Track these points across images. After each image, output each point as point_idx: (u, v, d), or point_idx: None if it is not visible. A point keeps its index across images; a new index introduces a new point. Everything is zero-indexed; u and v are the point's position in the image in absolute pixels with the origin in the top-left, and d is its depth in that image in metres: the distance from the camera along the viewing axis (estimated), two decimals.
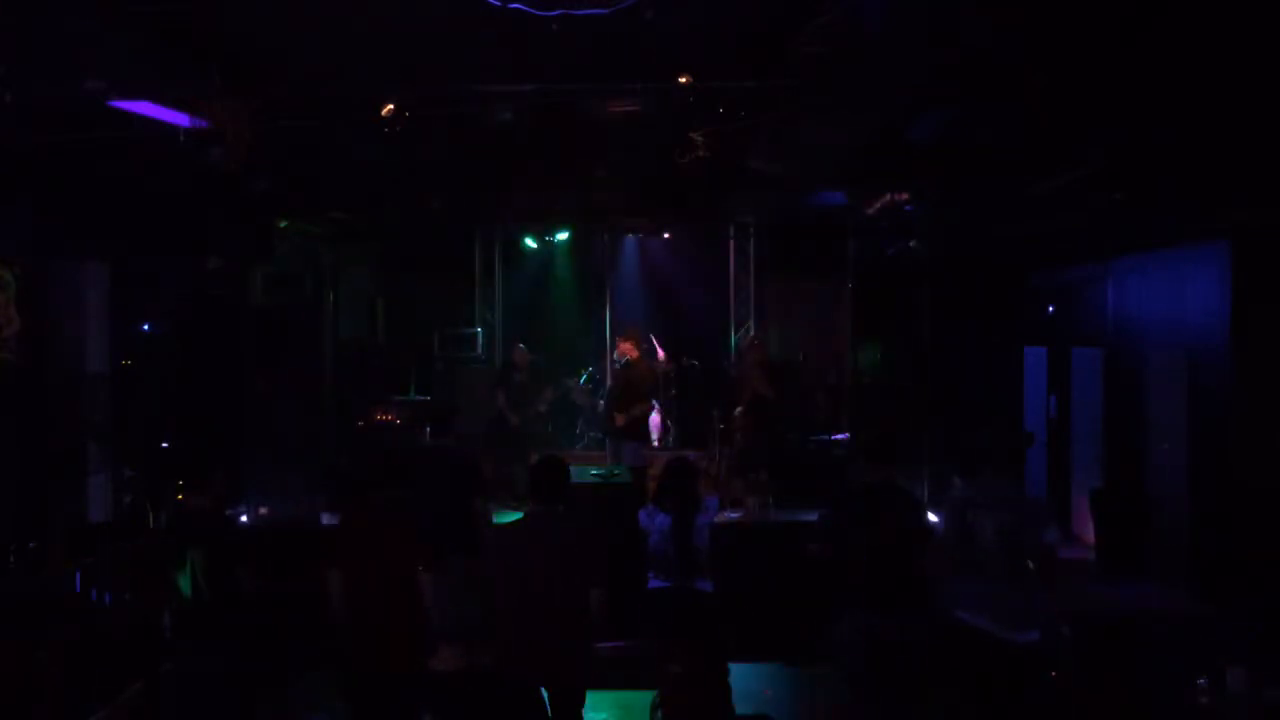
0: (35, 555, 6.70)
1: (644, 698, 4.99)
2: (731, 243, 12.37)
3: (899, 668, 5.09)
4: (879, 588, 5.09)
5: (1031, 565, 4.99)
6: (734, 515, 8.97)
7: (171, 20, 5.19)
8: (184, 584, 5.09)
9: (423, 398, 11.55)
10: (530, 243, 12.59)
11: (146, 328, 8.84)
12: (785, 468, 9.57)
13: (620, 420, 9.78)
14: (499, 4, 4.63)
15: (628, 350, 10.20)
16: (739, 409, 9.68)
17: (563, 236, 12.54)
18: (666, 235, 12.56)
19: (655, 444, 11.22)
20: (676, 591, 5.46)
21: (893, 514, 5.20)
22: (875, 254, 11.12)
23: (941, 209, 8.99)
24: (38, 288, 7.43)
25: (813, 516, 5.81)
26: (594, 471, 8.85)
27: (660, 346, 11.33)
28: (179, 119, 6.12)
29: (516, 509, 9.00)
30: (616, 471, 8.98)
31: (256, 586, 5.31)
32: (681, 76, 6.06)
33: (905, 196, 8.82)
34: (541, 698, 4.75)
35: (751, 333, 11.94)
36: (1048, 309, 10.25)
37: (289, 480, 8.53)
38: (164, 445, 8.55)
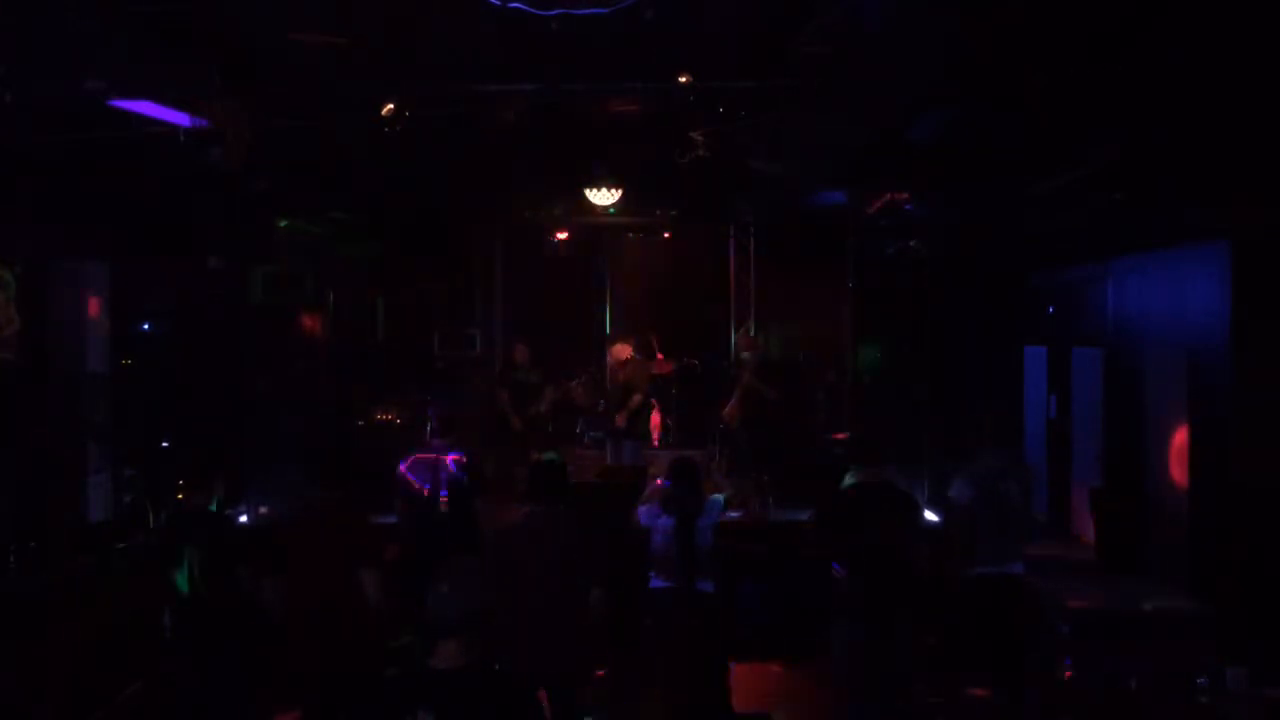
0: (35, 555, 6.70)
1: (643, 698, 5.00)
2: (731, 242, 12.37)
3: (895, 669, 5.09)
4: (874, 589, 5.09)
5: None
6: (734, 515, 8.96)
7: (171, 20, 5.19)
8: (183, 584, 5.09)
9: (423, 398, 11.53)
10: (530, 242, 12.59)
11: (146, 328, 8.84)
12: (785, 468, 9.56)
13: (621, 420, 9.80)
14: (499, 4, 4.63)
15: (620, 352, 10.24)
16: (730, 403, 9.66)
17: (563, 236, 12.54)
18: (667, 235, 12.56)
19: (655, 444, 11.22)
20: (677, 592, 5.46)
21: (887, 515, 5.19)
22: (875, 254, 11.12)
23: (941, 209, 8.99)
24: (38, 288, 7.43)
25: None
26: (594, 471, 8.86)
27: (659, 349, 11.33)
28: (179, 119, 6.11)
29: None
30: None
31: (256, 586, 5.30)
32: (681, 76, 6.06)
33: (905, 196, 8.82)
34: (539, 696, 4.75)
35: (752, 332, 11.93)
36: (1048, 309, 10.24)
37: (289, 480, 8.52)
38: (164, 445, 8.55)
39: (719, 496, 5.94)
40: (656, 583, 5.54)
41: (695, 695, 5.23)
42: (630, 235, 12.73)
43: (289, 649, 4.97)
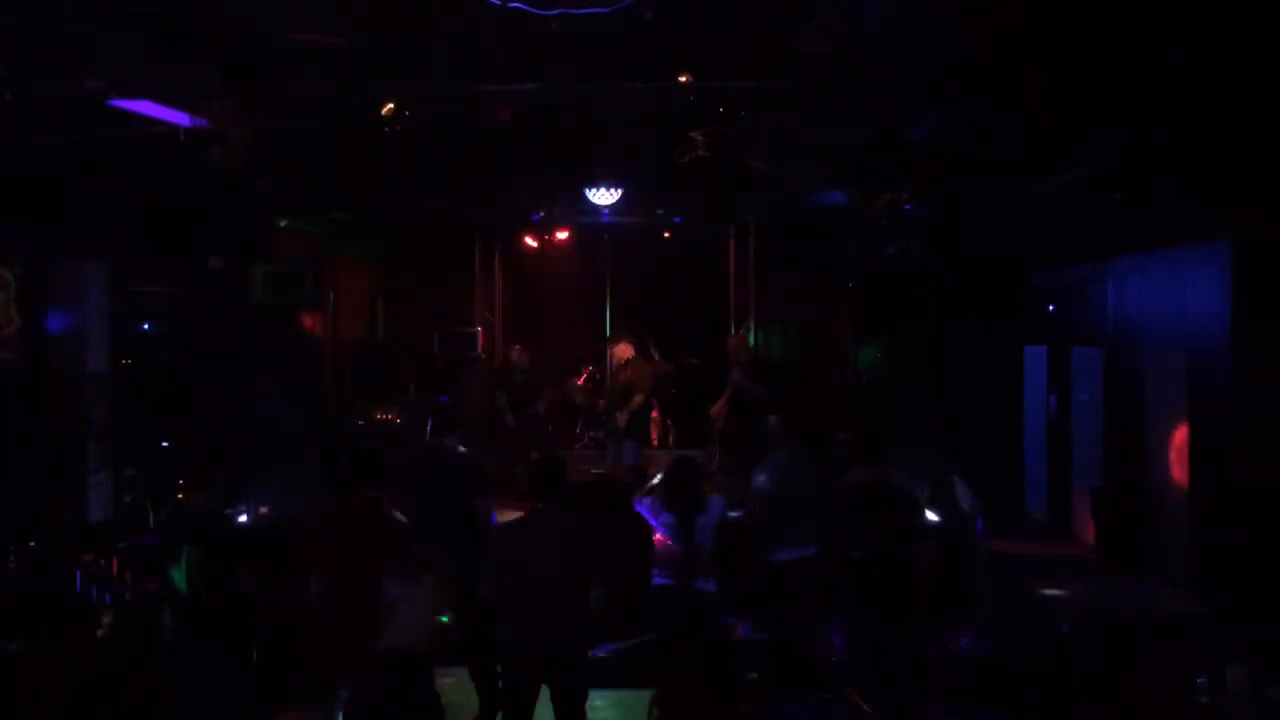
0: (35, 555, 6.69)
1: (644, 697, 5.02)
2: (731, 242, 12.36)
3: (895, 668, 5.09)
4: (873, 588, 5.08)
5: None
6: (735, 515, 8.94)
7: (171, 20, 5.20)
8: (183, 584, 5.09)
9: (423, 397, 11.54)
10: (530, 242, 12.60)
11: (146, 328, 8.84)
12: None
13: (623, 420, 9.80)
14: (499, 4, 4.64)
15: (623, 352, 10.25)
16: (718, 404, 9.65)
17: (563, 236, 12.54)
18: (666, 235, 12.55)
19: (655, 444, 11.22)
20: (678, 592, 5.46)
21: (886, 514, 5.19)
22: (875, 254, 11.11)
23: (942, 209, 8.99)
24: (38, 288, 7.42)
25: None
26: (594, 471, 8.87)
27: (655, 348, 11.33)
28: (179, 119, 6.12)
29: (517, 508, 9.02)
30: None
31: (256, 586, 5.30)
32: (681, 76, 6.06)
33: (905, 196, 8.82)
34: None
35: (750, 332, 11.93)
36: (1048, 309, 10.25)
37: (289, 480, 8.52)
38: (164, 445, 8.55)
39: (719, 498, 5.94)
40: (658, 581, 5.55)
41: (696, 695, 5.22)
42: (630, 235, 12.71)
43: (310, 648, 4.96)
